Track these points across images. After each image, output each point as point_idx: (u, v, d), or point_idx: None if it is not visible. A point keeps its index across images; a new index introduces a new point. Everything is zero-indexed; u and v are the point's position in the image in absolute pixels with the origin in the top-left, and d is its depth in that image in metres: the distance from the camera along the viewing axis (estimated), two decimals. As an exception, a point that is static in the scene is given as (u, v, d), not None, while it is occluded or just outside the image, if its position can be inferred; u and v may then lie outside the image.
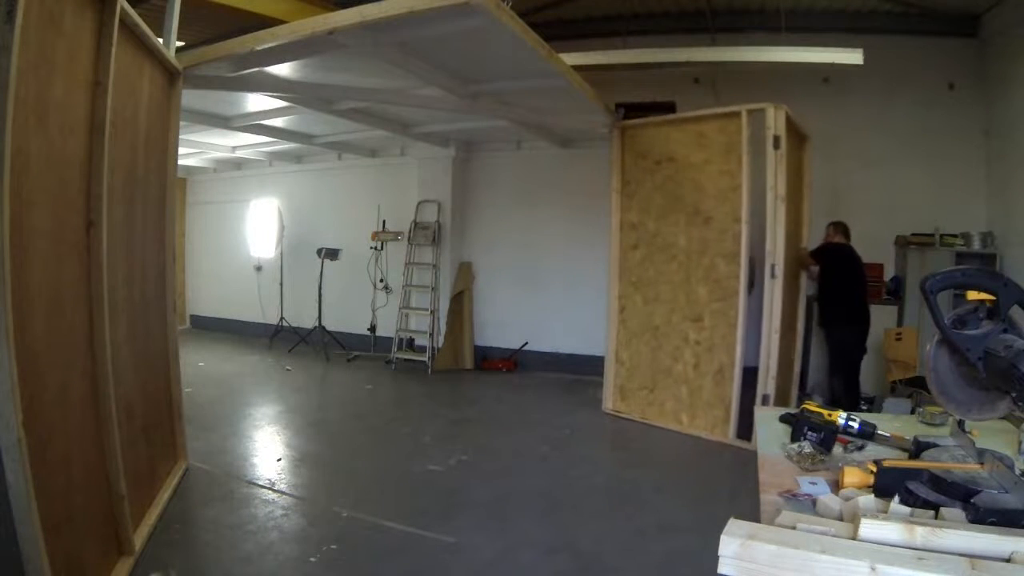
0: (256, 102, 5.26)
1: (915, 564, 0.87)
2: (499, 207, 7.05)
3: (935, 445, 1.45)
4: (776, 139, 4.31)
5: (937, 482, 1.17)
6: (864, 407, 4.73)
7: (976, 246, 5.36)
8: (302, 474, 3.82)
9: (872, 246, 5.81)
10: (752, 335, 4.51)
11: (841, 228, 5.00)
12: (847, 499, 1.21)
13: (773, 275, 4.34)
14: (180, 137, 3.66)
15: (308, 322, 7.49)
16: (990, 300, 1.22)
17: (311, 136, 6.78)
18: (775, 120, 4.31)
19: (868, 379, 5.39)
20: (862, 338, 4.86)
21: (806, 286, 5.17)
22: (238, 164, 8.54)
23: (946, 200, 5.65)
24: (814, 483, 1.36)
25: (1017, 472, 1.20)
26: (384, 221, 7.33)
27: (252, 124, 5.91)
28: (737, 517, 1.00)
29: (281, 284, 7.91)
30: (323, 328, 7.33)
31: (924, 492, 1.15)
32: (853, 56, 4.69)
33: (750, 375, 4.51)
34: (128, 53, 2.70)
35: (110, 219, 2.44)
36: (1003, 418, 1.39)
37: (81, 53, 2.24)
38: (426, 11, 2.86)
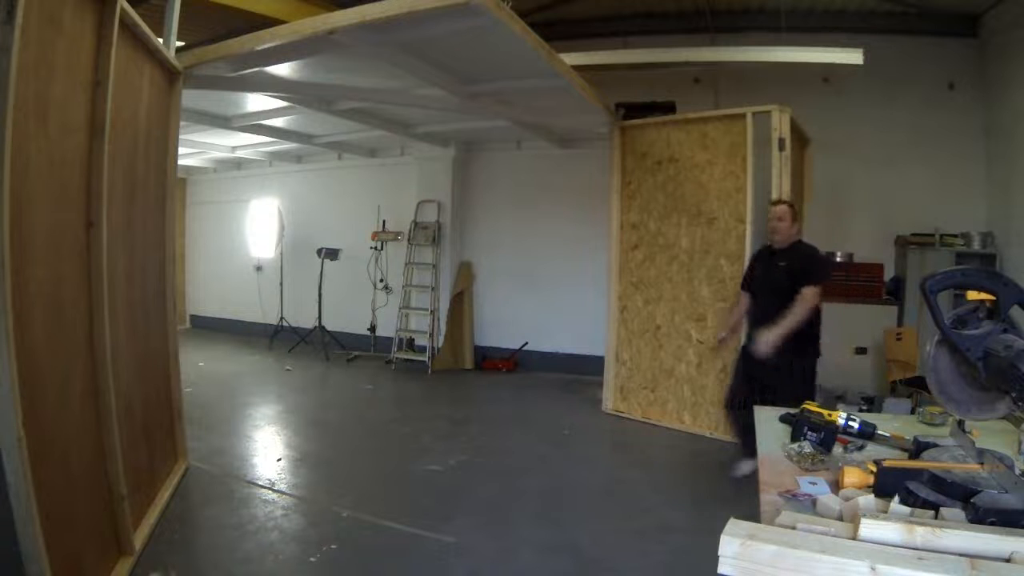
0: (256, 102, 5.27)
1: (915, 564, 0.87)
2: (499, 207, 7.05)
3: (935, 445, 1.45)
4: (781, 141, 4.32)
5: (937, 482, 1.17)
6: (864, 407, 4.73)
7: (976, 246, 5.35)
8: (302, 474, 3.82)
9: (872, 246, 5.83)
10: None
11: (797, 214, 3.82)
12: (847, 499, 1.21)
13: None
14: (180, 137, 3.66)
15: (308, 322, 7.49)
16: (990, 300, 1.22)
17: (311, 136, 6.78)
18: (780, 122, 4.32)
19: (868, 379, 5.40)
20: None
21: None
22: (238, 164, 8.54)
23: (946, 200, 5.64)
24: (814, 483, 1.36)
25: (1017, 472, 1.20)
26: (384, 221, 7.33)
27: (252, 124, 5.92)
28: (737, 517, 1.00)
29: (281, 284, 7.91)
30: (323, 328, 7.33)
31: (924, 492, 1.15)
32: (853, 56, 4.68)
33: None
34: (128, 53, 2.70)
35: (110, 219, 2.44)
36: (1003, 418, 1.39)
37: (81, 53, 2.24)
38: (426, 11, 2.86)
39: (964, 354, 1.20)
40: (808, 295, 3.38)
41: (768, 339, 3.37)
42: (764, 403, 3.11)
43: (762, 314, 3.58)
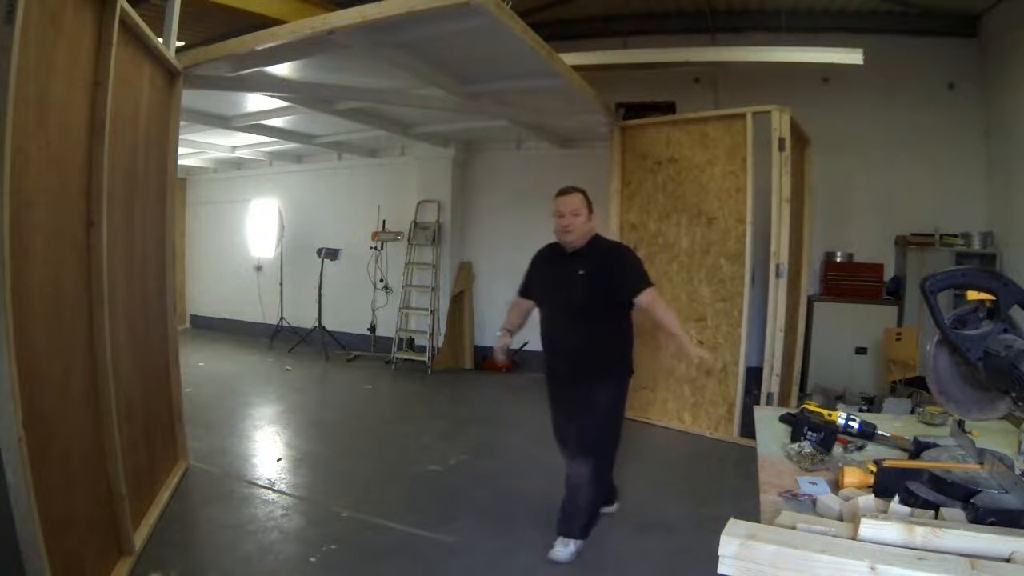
0: (256, 102, 5.26)
1: (915, 564, 0.87)
2: (499, 207, 7.04)
3: (935, 445, 1.45)
4: (781, 141, 4.32)
5: (937, 482, 1.17)
6: (864, 407, 4.73)
7: (976, 246, 5.36)
8: (302, 474, 3.82)
9: (872, 246, 5.83)
10: (755, 334, 4.53)
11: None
12: (847, 499, 1.21)
13: (778, 275, 4.36)
14: (180, 137, 3.66)
15: (308, 322, 7.49)
16: (990, 300, 1.22)
17: (311, 136, 6.78)
18: (780, 122, 4.32)
19: (868, 379, 5.40)
20: None
21: None
22: (238, 164, 8.54)
23: (946, 200, 5.64)
24: (814, 483, 1.36)
25: (1017, 472, 1.20)
26: (384, 221, 7.33)
27: (252, 124, 5.91)
28: (738, 517, 1.00)
29: (281, 284, 7.91)
30: (323, 328, 7.33)
31: (924, 492, 1.15)
32: (853, 56, 4.69)
33: (751, 375, 4.54)
34: (128, 53, 2.70)
35: (110, 219, 2.44)
36: (1003, 418, 1.39)
37: (81, 53, 2.24)
38: (426, 11, 2.85)
39: (964, 354, 1.20)
40: (656, 297, 2.77)
41: (693, 349, 2.88)
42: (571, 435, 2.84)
43: (563, 338, 2.85)
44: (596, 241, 2.84)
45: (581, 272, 2.75)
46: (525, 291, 3.07)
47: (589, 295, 2.73)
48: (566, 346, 2.84)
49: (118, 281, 2.64)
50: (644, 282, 2.76)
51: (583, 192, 2.89)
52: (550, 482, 3.74)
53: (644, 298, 2.73)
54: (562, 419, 3.00)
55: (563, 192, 2.85)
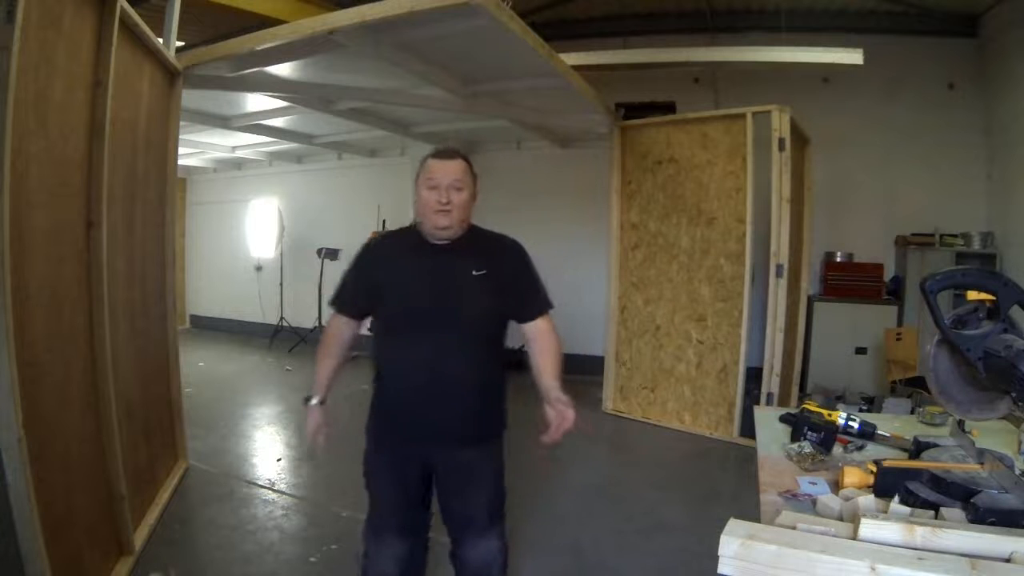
0: (256, 102, 5.26)
1: (915, 564, 0.87)
2: (498, 207, 6.93)
3: (935, 445, 1.45)
4: (781, 141, 4.32)
5: (937, 482, 1.18)
6: (864, 407, 4.73)
7: (976, 246, 5.36)
8: (302, 474, 3.81)
9: (872, 246, 5.83)
10: (755, 334, 4.53)
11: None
12: (847, 499, 1.21)
13: (778, 275, 4.36)
14: (180, 137, 3.66)
15: (308, 322, 7.49)
16: (990, 300, 1.22)
17: (311, 136, 6.78)
18: (780, 122, 4.32)
19: (868, 379, 5.40)
20: None
21: None
22: (238, 164, 8.54)
23: (946, 200, 5.64)
24: (814, 483, 1.36)
25: (1017, 472, 1.20)
26: (384, 221, 7.32)
27: (252, 124, 5.91)
28: (738, 517, 1.01)
29: (281, 284, 7.91)
30: (323, 328, 7.32)
31: (924, 492, 1.15)
32: (853, 56, 4.68)
33: (751, 375, 4.54)
34: (128, 53, 2.70)
35: (110, 219, 2.44)
36: (1003, 418, 1.39)
37: (81, 53, 2.24)
38: (426, 11, 2.85)
39: (964, 354, 1.20)
40: (553, 327, 1.95)
41: (569, 412, 1.91)
42: (451, 518, 2.12)
43: (436, 374, 1.88)
44: (477, 232, 1.98)
45: (476, 273, 1.82)
46: (357, 303, 2.13)
47: (490, 307, 1.83)
48: (442, 384, 1.88)
49: (118, 281, 2.64)
50: (547, 302, 1.94)
51: (468, 160, 1.97)
52: (550, 481, 3.75)
53: (540, 326, 1.92)
54: (399, 496, 2.12)
55: (442, 154, 1.93)
